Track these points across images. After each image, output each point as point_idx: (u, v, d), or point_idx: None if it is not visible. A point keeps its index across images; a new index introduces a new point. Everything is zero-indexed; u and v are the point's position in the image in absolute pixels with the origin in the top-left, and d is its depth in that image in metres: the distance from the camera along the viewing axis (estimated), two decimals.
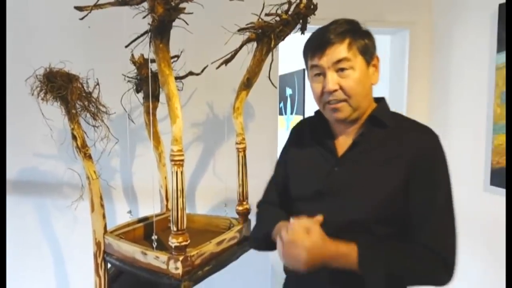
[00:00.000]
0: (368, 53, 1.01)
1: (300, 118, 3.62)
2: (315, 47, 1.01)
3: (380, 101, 1.08)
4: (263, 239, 1.12)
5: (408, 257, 0.95)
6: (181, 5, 1.04)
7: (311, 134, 1.13)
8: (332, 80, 0.98)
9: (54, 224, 2.14)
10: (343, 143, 1.06)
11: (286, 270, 1.18)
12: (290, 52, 2.57)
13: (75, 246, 2.13)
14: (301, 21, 1.44)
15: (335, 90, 0.99)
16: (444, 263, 0.95)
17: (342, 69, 0.98)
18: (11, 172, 2.07)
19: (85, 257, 2.06)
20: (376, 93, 1.09)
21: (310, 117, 1.19)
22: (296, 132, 1.22)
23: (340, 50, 0.98)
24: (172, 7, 1.02)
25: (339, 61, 0.98)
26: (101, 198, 1.38)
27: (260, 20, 1.40)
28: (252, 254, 1.47)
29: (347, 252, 0.93)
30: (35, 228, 2.13)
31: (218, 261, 1.28)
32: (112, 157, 2.03)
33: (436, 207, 0.97)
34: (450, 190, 0.99)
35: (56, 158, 2.07)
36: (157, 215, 1.58)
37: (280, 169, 1.23)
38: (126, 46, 1.23)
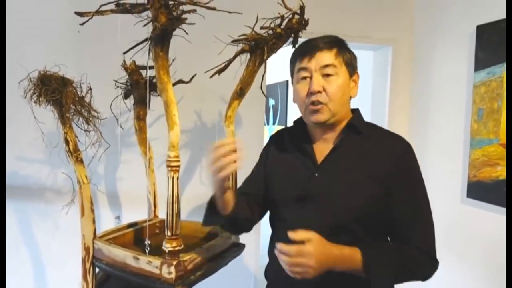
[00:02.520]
0: (352, 66, 1.11)
1: None
2: (305, 52, 1.09)
3: (355, 111, 1.16)
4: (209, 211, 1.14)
5: (404, 256, 1.02)
6: (183, 16, 1.07)
7: (290, 142, 1.19)
8: (318, 81, 1.05)
9: (35, 229, 2.10)
10: (321, 149, 1.12)
11: (267, 275, 1.22)
12: (274, 64, 2.63)
13: (57, 251, 2.10)
14: (293, 35, 1.49)
15: (319, 92, 1.05)
16: (431, 259, 1.03)
17: (327, 75, 1.06)
18: None
19: (67, 263, 2.05)
20: (359, 107, 1.17)
21: (289, 127, 1.26)
22: (275, 139, 1.27)
23: (328, 56, 1.07)
24: (175, 17, 1.05)
25: (326, 66, 1.06)
26: (91, 202, 1.38)
27: (253, 32, 1.44)
28: (236, 261, 1.50)
29: (351, 254, 0.98)
30: (14, 232, 2.08)
31: (209, 267, 1.29)
32: (100, 162, 2.02)
33: (418, 209, 1.06)
34: (426, 191, 1.08)
35: (41, 162, 2.04)
36: (146, 221, 1.58)
37: (258, 167, 1.27)
38: (125, 53, 1.25)
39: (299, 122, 1.20)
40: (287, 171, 1.16)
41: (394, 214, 1.05)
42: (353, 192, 1.04)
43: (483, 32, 1.88)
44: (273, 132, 1.33)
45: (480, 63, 1.89)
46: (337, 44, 1.09)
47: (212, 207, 1.12)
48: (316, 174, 1.09)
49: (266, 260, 1.24)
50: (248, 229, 1.23)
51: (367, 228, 1.04)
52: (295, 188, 1.10)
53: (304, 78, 1.09)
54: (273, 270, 1.18)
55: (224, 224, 1.19)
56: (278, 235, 1.16)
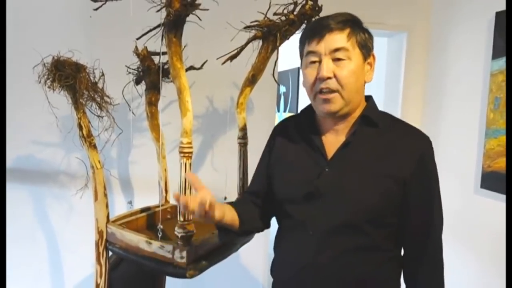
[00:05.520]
0: (366, 48, 0.99)
1: None
2: (314, 33, 0.98)
3: (369, 99, 1.07)
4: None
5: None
6: (197, 1, 1.06)
7: (297, 133, 1.10)
8: (328, 67, 0.95)
9: (49, 213, 2.14)
10: (332, 141, 1.04)
11: (273, 270, 1.18)
12: (285, 50, 2.60)
13: (70, 235, 2.14)
14: (306, 21, 1.48)
15: (329, 78, 0.96)
16: (442, 270, 1.05)
17: (338, 59, 0.96)
18: (8, 159, 2.06)
19: (80, 246, 2.09)
20: (372, 94, 1.09)
21: (296, 115, 1.17)
22: (280, 130, 1.18)
23: (339, 38, 0.96)
24: (189, 3, 1.04)
25: (337, 49, 0.95)
26: (104, 187, 1.40)
27: (266, 18, 1.43)
28: (245, 254, 1.52)
29: None
30: (29, 216, 2.13)
31: (220, 252, 1.31)
32: (112, 147, 2.04)
33: (434, 212, 1.02)
34: (440, 192, 1.05)
35: (55, 147, 2.07)
36: (159, 206, 1.60)
37: (263, 163, 1.21)
38: (138, 39, 1.25)
39: (307, 110, 1.10)
40: (294, 165, 1.08)
41: (408, 214, 1.01)
42: (366, 190, 0.97)
43: (503, 18, 1.83)
44: (278, 121, 1.28)
45: (499, 51, 1.84)
46: (350, 24, 0.97)
47: (220, 227, 1.09)
48: (327, 170, 1.01)
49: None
50: (266, 228, 1.22)
51: (379, 228, 0.99)
52: (303, 184, 1.02)
53: (313, 62, 0.98)
54: (279, 266, 1.14)
55: (239, 236, 1.20)
56: (285, 232, 1.13)
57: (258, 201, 1.19)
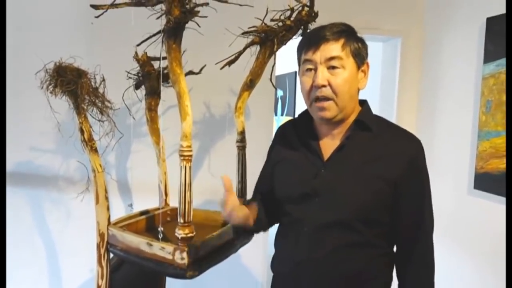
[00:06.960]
0: (360, 57, 1.05)
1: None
2: (311, 42, 1.04)
3: (364, 104, 1.13)
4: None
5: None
6: (196, 9, 1.09)
7: (296, 136, 1.16)
8: (322, 75, 1.01)
9: (49, 217, 2.16)
10: (328, 145, 1.10)
11: (273, 265, 1.23)
12: (282, 55, 2.64)
13: (70, 238, 2.15)
14: (302, 27, 1.51)
15: (324, 86, 1.01)
16: (429, 266, 1.08)
17: (333, 67, 1.02)
18: (9, 163, 2.08)
19: (79, 250, 2.11)
20: (368, 98, 1.14)
21: (295, 119, 1.23)
22: (281, 133, 1.25)
23: (334, 48, 1.02)
24: (188, 10, 1.07)
25: (331, 58, 1.01)
26: (105, 190, 1.42)
27: (263, 24, 1.46)
28: (245, 252, 1.54)
29: None
30: (29, 220, 2.14)
31: (220, 253, 1.33)
32: (112, 151, 2.06)
33: (423, 211, 1.06)
34: (431, 193, 1.09)
35: (55, 151, 2.09)
36: (159, 209, 1.63)
37: (266, 167, 1.29)
38: (138, 45, 1.28)
39: (304, 115, 1.17)
40: (292, 167, 1.14)
41: (399, 215, 1.05)
42: (358, 190, 1.02)
43: (493, 24, 1.87)
44: (280, 124, 1.34)
45: (489, 55, 1.88)
46: (345, 34, 1.03)
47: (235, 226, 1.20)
48: (322, 171, 1.07)
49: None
50: (270, 226, 1.29)
51: (370, 227, 1.04)
52: (301, 184, 1.09)
53: (309, 70, 1.05)
54: (279, 261, 1.19)
55: (247, 233, 1.31)
56: (283, 229, 1.19)
57: (265, 200, 1.25)
